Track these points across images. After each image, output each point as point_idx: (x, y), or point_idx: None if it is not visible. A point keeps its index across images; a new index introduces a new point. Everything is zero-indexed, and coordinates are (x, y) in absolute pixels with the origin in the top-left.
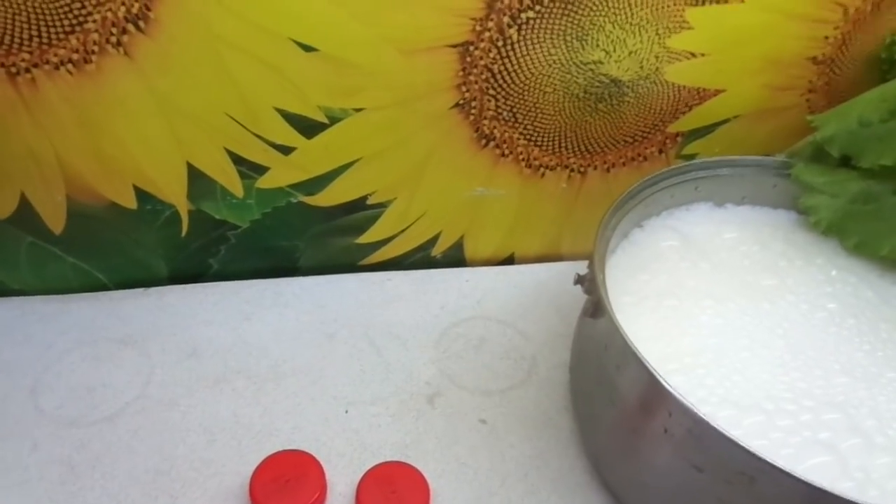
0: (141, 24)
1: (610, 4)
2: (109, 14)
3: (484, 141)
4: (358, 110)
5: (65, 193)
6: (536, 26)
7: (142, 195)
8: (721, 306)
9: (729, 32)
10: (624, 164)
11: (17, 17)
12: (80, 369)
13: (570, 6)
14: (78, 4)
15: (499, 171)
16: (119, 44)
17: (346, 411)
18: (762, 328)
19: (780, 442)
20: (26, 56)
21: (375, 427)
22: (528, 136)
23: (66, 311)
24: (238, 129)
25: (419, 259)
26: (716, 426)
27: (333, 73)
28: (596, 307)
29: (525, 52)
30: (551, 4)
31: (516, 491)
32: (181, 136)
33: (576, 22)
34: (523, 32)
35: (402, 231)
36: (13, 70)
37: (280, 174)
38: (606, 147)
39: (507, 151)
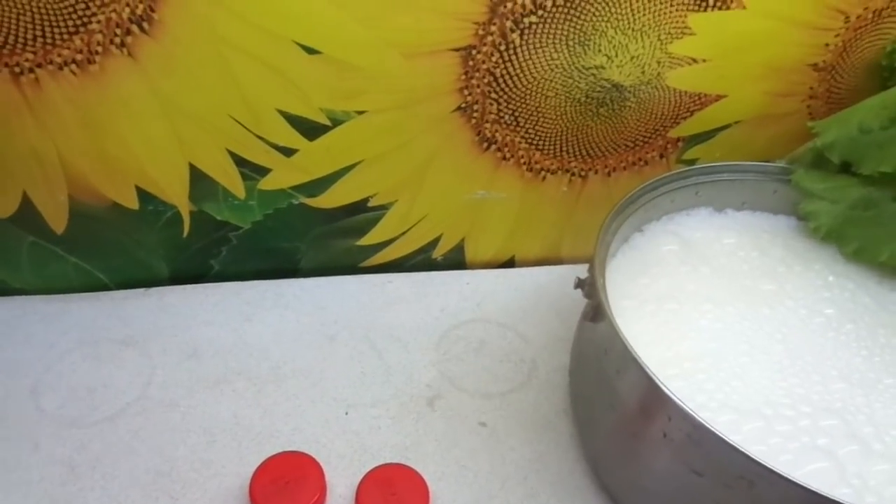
0: (145, 25)
1: (612, 10)
2: (114, 15)
3: (485, 144)
4: (360, 113)
5: (67, 193)
6: (539, 31)
7: (144, 196)
8: (720, 311)
9: (730, 38)
10: (625, 168)
11: (21, 18)
12: (81, 369)
13: (572, 11)
14: (82, 5)
15: (500, 175)
16: (123, 45)
17: (347, 413)
18: (761, 333)
19: (779, 447)
20: (30, 56)
21: (375, 429)
22: (529, 140)
23: (68, 311)
24: (240, 130)
25: (420, 261)
26: (715, 431)
27: (336, 76)
28: (596, 311)
29: (527, 57)
30: (554, 9)
31: (516, 494)
32: (184, 137)
33: (578, 27)
34: (526, 37)
35: (403, 233)
36: (17, 70)
37: (282, 176)
38: (607, 151)
39: (508, 155)
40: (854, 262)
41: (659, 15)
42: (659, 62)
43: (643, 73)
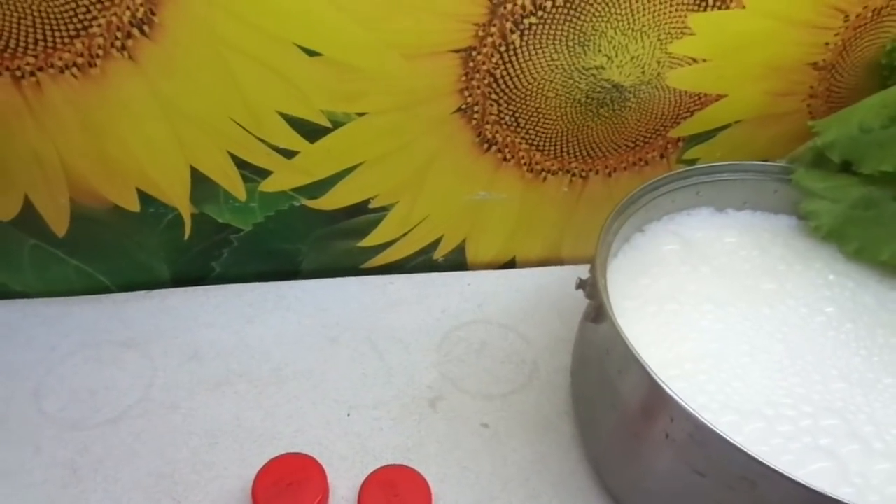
0: (146, 28)
1: (612, 10)
2: (114, 18)
3: (486, 145)
4: (361, 114)
5: (68, 196)
6: (539, 32)
7: (145, 198)
8: (721, 311)
9: (730, 38)
10: (625, 168)
11: (22, 21)
12: (83, 372)
13: (572, 12)
14: (83, 9)
15: (501, 176)
16: (124, 48)
17: (348, 415)
18: (762, 333)
19: (781, 448)
20: (31, 60)
21: (377, 430)
22: (529, 141)
23: (69, 314)
24: (241, 132)
25: (421, 263)
26: (718, 431)
27: (336, 78)
28: (598, 312)
29: (527, 58)
30: (554, 10)
31: (518, 495)
32: (184, 139)
33: (578, 27)
34: (526, 38)
35: (404, 235)
36: (18, 74)
37: (283, 178)
38: (608, 152)
39: (508, 156)
40: (855, 261)
41: (659, 15)
42: (659, 62)
43: (643, 73)
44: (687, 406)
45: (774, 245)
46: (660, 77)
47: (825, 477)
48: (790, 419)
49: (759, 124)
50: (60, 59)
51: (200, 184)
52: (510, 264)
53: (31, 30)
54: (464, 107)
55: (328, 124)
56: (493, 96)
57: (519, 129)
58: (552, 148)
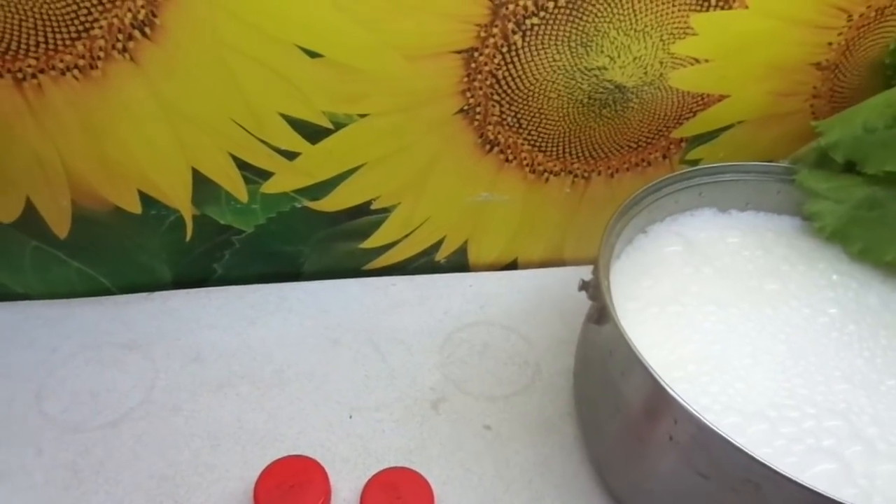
0: (147, 30)
1: (614, 11)
2: (116, 20)
3: (488, 146)
4: (362, 116)
5: (70, 198)
6: (541, 32)
7: (146, 200)
8: (724, 312)
9: (733, 38)
10: (628, 169)
11: (23, 24)
12: (85, 374)
13: (574, 12)
14: (84, 11)
15: (503, 177)
16: (125, 50)
17: (351, 417)
18: (765, 334)
19: (784, 449)
20: (33, 62)
21: (380, 433)
22: (532, 142)
23: (70, 316)
24: (243, 134)
25: (423, 264)
26: (722, 433)
27: (338, 79)
28: (601, 314)
29: (529, 58)
30: (556, 11)
31: (521, 497)
32: (186, 141)
33: (580, 28)
34: (528, 38)
35: (406, 236)
36: (20, 76)
37: (285, 179)
38: (610, 152)
39: (511, 157)
40: (859, 262)
41: (661, 15)
42: (661, 63)
43: (646, 73)
44: (690, 408)
45: (778, 245)
46: (662, 77)
47: (829, 478)
48: (793, 420)
49: (761, 125)
50: (62, 61)
51: (202, 185)
52: (512, 265)
53: (32, 32)
54: (466, 108)
55: (330, 126)
56: (496, 97)
57: (521, 130)
58: (554, 149)
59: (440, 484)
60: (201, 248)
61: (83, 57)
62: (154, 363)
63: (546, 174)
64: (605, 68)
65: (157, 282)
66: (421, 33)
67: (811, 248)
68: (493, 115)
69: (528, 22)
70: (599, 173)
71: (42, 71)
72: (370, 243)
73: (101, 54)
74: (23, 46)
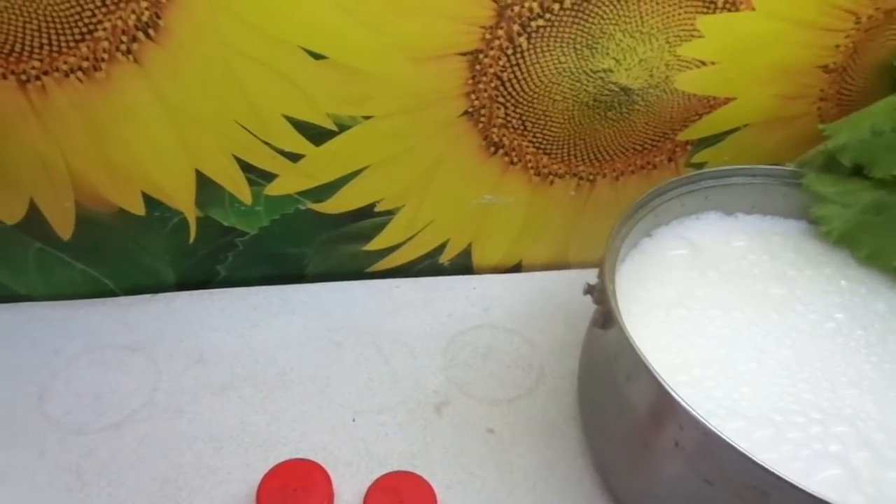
0: (151, 32)
1: (620, 13)
2: (119, 22)
3: (493, 149)
4: (367, 118)
5: (73, 200)
6: (546, 34)
7: (150, 202)
8: (729, 316)
9: (739, 41)
10: (633, 172)
11: (27, 26)
12: (88, 376)
13: (580, 15)
14: (88, 13)
15: (507, 179)
16: (129, 51)
17: (354, 420)
18: (770, 339)
19: (790, 455)
20: (37, 64)
21: (383, 436)
22: (536, 144)
23: (74, 317)
24: (247, 136)
25: (427, 266)
26: (728, 440)
27: (342, 81)
28: (606, 318)
29: (535, 61)
30: (561, 13)
31: (524, 502)
32: (190, 143)
33: (586, 30)
34: (533, 41)
35: (410, 238)
36: (24, 78)
37: (288, 181)
38: (615, 155)
39: (515, 159)
40: (867, 267)
41: (667, 17)
42: (667, 65)
43: (651, 76)
44: (697, 414)
45: (784, 250)
46: (668, 80)
47: (837, 485)
48: (799, 426)
49: (768, 128)
50: (66, 62)
51: (206, 187)
52: (516, 268)
53: (36, 34)
54: (470, 110)
55: (334, 128)
56: (500, 99)
57: (526, 133)
58: (559, 151)
59: (443, 488)
60: (205, 249)
61: (87, 59)
62: (157, 365)
63: (551, 177)
64: (611, 70)
65: (160, 283)
66: (425, 35)
67: (818, 253)
68: (497, 117)
69: (533, 24)
70: (604, 176)
71: (46, 73)
72: (374, 245)
73: (105, 56)
74: (27, 48)
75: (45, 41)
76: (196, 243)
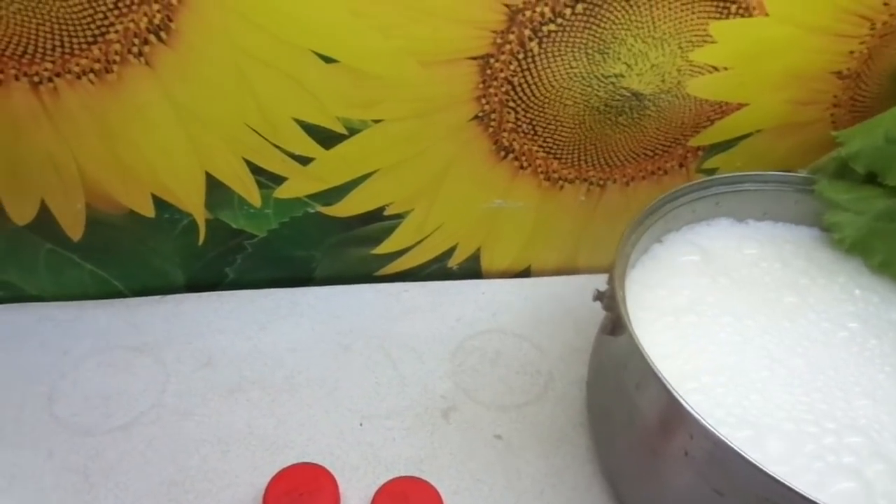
0: (162, 34)
1: (632, 18)
2: (132, 25)
3: (503, 153)
4: (377, 122)
5: (84, 201)
6: (558, 39)
7: (160, 204)
8: (740, 324)
9: (752, 46)
10: (644, 177)
11: (40, 28)
12: (96, 377)
13: (591, 19)
14: (100, 15)
15: (517, 184)
16: (140, 54)
17: (361, 424)
18: (782, 347)
19: (803, 467)
20: (49, 66)
21: (390, 441)
22: (547, 149)
23: (83, 318)
24: (257, 139)
25: (435, 270)
26: (739, 450)
27: (353, 85)
28: (615, 324)
29: (546, 65)
30: (573, 17)
31: None
32: (200, 145)
33: (597, 35)
34: (544, 45)
35: (419, 242)
36: (36, 79)
37: (298, 184)
38: (626, 160)
39: (525, 164)
40: (880, 275)
41: (679, 23)
42: (679, 70)
43: (663, 81)
44: (707, 424)
45: (797, 257)
46: (680, 85)
47: (849, 498)
48: (812, 436)
49: (780, 134)
50: (78, 64)
51: (215, 190)
52: (525, 273)
53: (49, 36)
54: (481, 114)
55: (344, 131)
56: (511, 104)
57: (536, 138)
58: (569, 156)
59: (450, 494)
60: (214, 252)
61: (99, 61)
62: (165, 367)
63: (561, 182)
64: (622, 76)
65: (169, 285)
66: (436, 39)
67: (830, 261)
68: (508, 121)
69: (544, 28)
70: (615, 181)
71: (58, 74)
72: (383, 249)
73: (117, 58)
74: (39, 50)
75: (57, 43)
76: (205, 245)
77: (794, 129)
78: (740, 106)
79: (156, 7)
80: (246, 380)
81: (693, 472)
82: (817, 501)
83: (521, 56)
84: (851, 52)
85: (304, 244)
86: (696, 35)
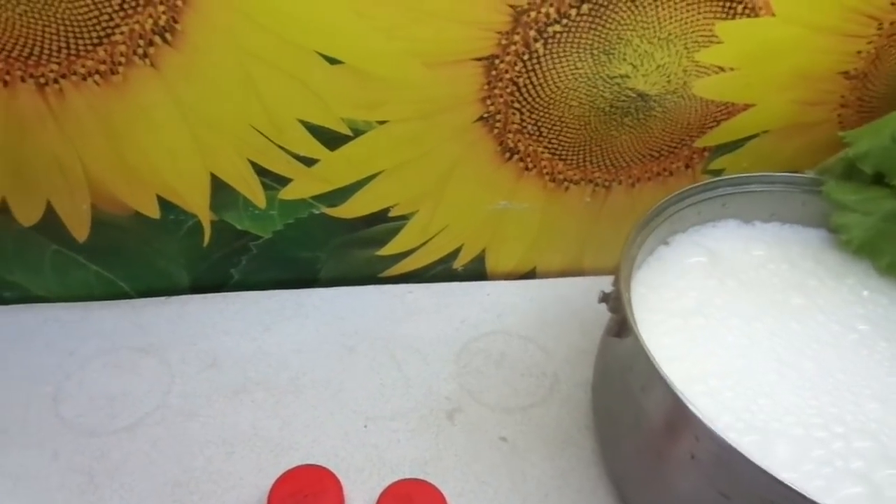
0: (168, 36)
1: (638, 18)
2: (137, 26)
3: (508, 154)
4: (382, 123)
5: (89, 202)
6: (563, 40)
7: (165, 205)
8: (748, 326)
9: (758, 46)
10: (649, 178)
11: (46, 30)
12: (101, 378)
13: (597, 20)
14: (106, 17)
15: (522, 185)
16: (146, 55)
17: (366, 426)
18: (791, 349)
19: (811, 471)
20: (55, 67)
21: (395, 443)
22: (552, 150)
23: (88, 319)
24: (262, 140)
25: (440, 272)
26: (745, 454)
27: (358, 86)
28: (621, 326)
29: (551, 66)
30: (578, 18)
31: None
32: (205, 146)
33: (603, 36)
34: (549, 46)
35: (424, 244)
36: (42, 81)
37: (303, 185)
38: (632, 161)
39: (531, 165)
40: (889, 277)
41: (685, 23)
42: (685, 71)
43: (669, 82)
44: (713, 427)
45: (804, 259)
46: (686, 86)
47: (859, 503)
48: (820, 441)
49: (787, 134)
50: (83, 66)
51: (220, 191)
52: (530, 274)
53: (54, 37)
54: (486, 115)
55: (349, 132)
56: (516, 105)
57: (541, 139)
58: (575, 157)
59: (455, 496)
60: (219, 253)
61: (104, 62)
62: (170, 368)
63: (566, 183)
64: (628, 76)
65: (174, 286)
66: (441, 40)
67: (838, 263)
68: (513, 122)
69: (550, 29)
70: (620, 182)
71: (64, 76)
72: (387, 250)
73: (123, 60)
74: (45, 52)
75: (63, 45)
76: (210, 247)
77: (801, 129)
78: (747, 106)
79: (161, 8)
80: (251, 381)
81: (699, 475)
82: None
83: (526, 57)
84: (859, 52)
85: (308, 245)
86: (702, 35)
